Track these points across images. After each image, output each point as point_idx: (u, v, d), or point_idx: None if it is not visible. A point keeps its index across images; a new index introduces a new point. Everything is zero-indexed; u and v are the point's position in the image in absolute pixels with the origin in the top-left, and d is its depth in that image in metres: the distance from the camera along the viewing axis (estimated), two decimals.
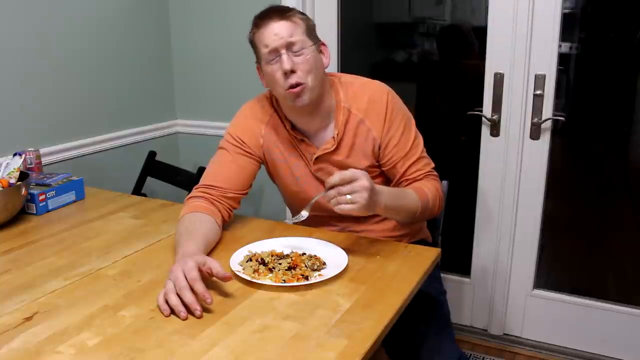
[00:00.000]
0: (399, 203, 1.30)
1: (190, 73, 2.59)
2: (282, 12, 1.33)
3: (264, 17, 1.33)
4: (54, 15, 2.04)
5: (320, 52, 1.39)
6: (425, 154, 1.47)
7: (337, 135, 1.41)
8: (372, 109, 1.41)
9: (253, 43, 1.38)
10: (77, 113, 2.18)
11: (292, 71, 1.30)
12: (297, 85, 1.31)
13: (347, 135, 1.42)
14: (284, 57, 1.30)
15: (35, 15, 1.97)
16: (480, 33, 2.03)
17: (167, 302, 1.02)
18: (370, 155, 1.44)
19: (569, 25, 1.93)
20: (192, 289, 1.02)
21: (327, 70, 1.43)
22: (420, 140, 1.47)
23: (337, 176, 1.15)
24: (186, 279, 1.03)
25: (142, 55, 2.45)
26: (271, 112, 1.48)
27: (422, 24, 2.29)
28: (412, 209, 1.34)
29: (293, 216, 1.63)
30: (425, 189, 1.38)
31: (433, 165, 1.48)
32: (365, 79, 1.48)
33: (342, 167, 1.40)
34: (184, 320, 1.00)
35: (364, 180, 1.15)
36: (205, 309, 1.03)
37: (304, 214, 1.26)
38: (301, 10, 1.43)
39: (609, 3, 1.99)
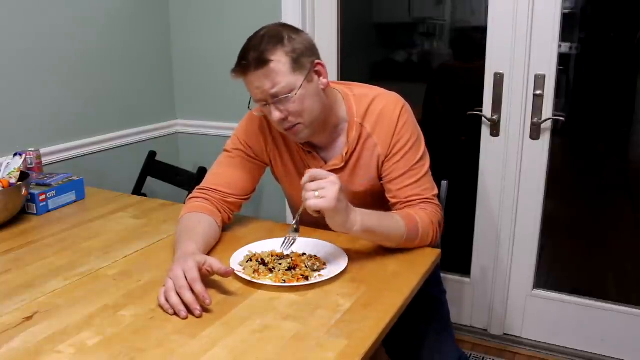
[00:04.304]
0: (380, 224, 1.19)
1: (190, 73, 2.60)
2: (259, 60, 1.20)
3: (243, 65, 1.23)
4: (54, 15, 2.04)
5: (316, 73, 1.27)
6: (428, 179, 1.36)
7: (347, 153, 1.36)
8: (381, 123, 1.34)
9: None
10: (77, 113, 2.18)
11: (284, 119, 1.25)
12: (292, 126, 1.27)
13: (356, 151, 1.37)
14: (272, 108, 1.24)
15: (35, 16, 1.97)
16: (480, 33, 2.03)
17: (167, 301, 1.03)
18: (374, 171, 1.38)
19: (569, 25, 1.93)
20: (191, 289, 1.02)
21: (339, 80, 1.39)
22: (426, 162, 1.37)
23: (306, 176, 1.10)
24: (186, 278, 1.03)
25: (142, 55, 2.45)
26: None
27: (422, 24, 2.29)
28: (395, 235, 1.23)
29: (294, 218, 1.61)
30: (416, 217, 1.26)
31: (436, 192, 1.37)
32: (380, 90, 1.40)
33: (344, 188, 1.37)
34: (184, 319, 1.00)
35: (332, 177, 1.09)
36: (205, 309, 1.03)
37: (294, 235, 1.22)
38: (291, 26, 1.29)
39: (609, 3, 1.99)
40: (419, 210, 1.30)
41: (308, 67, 1.25)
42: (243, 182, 1.41)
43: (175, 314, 1.01)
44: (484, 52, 2.02)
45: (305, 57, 1.24)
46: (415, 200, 1.32)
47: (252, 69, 1.21)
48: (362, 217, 1.15)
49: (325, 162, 1.40)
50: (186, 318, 1.00)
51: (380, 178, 1.38)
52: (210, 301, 1.03)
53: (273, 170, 1.50)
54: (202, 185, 1.41)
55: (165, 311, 1.02)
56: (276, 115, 1.23)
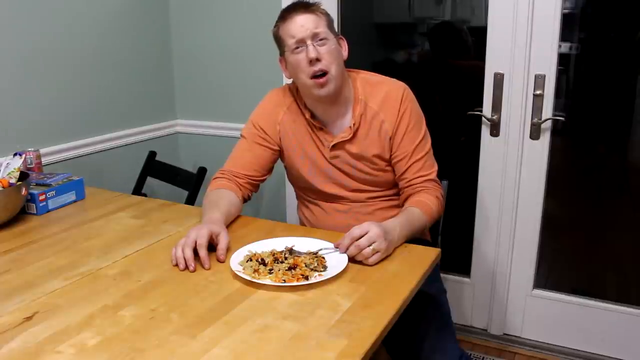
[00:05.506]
0: (412, 228, 1.37)
1: (190, 73, 2.60)
2: (307, 6, 1.43)
3: (290, 10, 1.43)
4: (54, 15, 2.04)
5: (339, 44, 1.48)
6: (430, 156, 1.53)
7: (354, 125, 1.49)
8: (387, 102, 1.49)
9: (278, 36, 1.47)
10: (77, 113, 2.18)
11: (318, 59, 1.39)
12: (321, 74, 1.40)
13: (363, 127, 1.50)
14: (310, 47, 1.39)
15: (35, 16, 1.97)
16: (480, 33, 2.03)
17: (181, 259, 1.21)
18: (382, 146, 1.50)
19: (569, 25, 1.93)
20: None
21: (345, 67, 1.51)
22: (427, 141, 1.53)
23: (347, 238, 1.22)
24: (195, 242, 1.21)
25: (142, 55, 2.45)
26: (291, 100, 1.57)
27: (422, 24, 2.29)
28: (422, 227, 1.43)
29: (297, 196, 1.72)
30: (428, 203, 1.45)
31: (436, 168, 1.54)
32: (384, 76, 1.56)
33: (356, 156, 1.51)
34: (190, 269, 1.19)
35: (374, 229, 1.21)
36: (206, 309, 1.03)
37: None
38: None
39: (609, 3, 1.99)
40: (425, 193, 1.48)
41: (336, 34, 1.47)
42: (255, 165, 1.56)
43: (182, 266, 1.21)
44: (480, 50, 2.02)
45: (333, 27, 1.47)
46: (421, 180, 1.50)
47: (302, 10, 1.42)
48: (401, 231, 1.31)
49: (334, 136, 1.52)
50: (193, 270, 1.19)
51: (389, 153, 1.51)
52: (209, 266, 1.20)
53: (282, 153, 1.60)
54: (222, 168, 1.58)
55: (177, 264, 1.21)
56: (314, 52, 1.39)
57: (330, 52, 1.41)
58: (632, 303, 2.05)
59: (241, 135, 1.60)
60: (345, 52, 1.49)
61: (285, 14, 1.44)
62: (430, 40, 2.28)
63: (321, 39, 1.40)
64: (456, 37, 2.20)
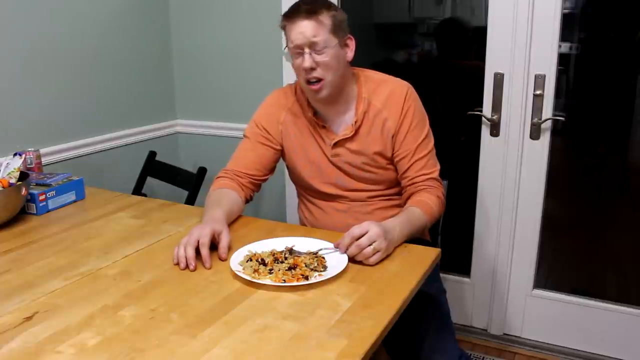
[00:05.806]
0: (412, 228, 1.37)
1: (190, 73, 2.60)
2: (310, 11, 1.39)
3: (292, 13, 1.41)
4: (54, 15, 2.04)
5: (346, 45, 1.46)
6: (432, 155, 1.54)
7: (356, 123, 1.50)
8: (391, 100, 1.50)
9: (284, 31, 1.46)
10: (77, 113, 2.18)
11: (312, 68, 1.40)
12: (316, 80, 1.42)
13: (365, 124, 1.51)
14: (306, 55, 1.39)
15: (35, 15, 1.97)
16: (480, 33, 2.03)
17: (182, 257, 1.22)
18: (384, 143, 1.51)
19: (569, 25, 1.93)
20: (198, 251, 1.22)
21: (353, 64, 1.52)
22: (430, 140, 1.54)
23: (347, 238, 1.22)
24: (198, 240, 1.22)
25: (142, 55, 2.45)
26: (293, 100, 1.58)
27: (422, 24, 2.29)
28: (422, 227, 1.44)
29: (298, 194, 1.72)
30: (429, 202, 1.45)
31: (439, 167, 1.54)
32: (388, 75, 1.57)
33: (356, 152, 1.52)
34: (183, 268, 1.20)
35: (374, 228, 1.21)
36: (206, 309, 1.03)
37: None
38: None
39: (609, 3, 1.99)
40: (427, 193, 1.48)
41: (342, 36, 1.44)
42: (258, 164, 1.57)
43: (183, 265, 1.21)
44: (484, 51, 2.02)
45: (342, 28, 1.44)
46: (423, 178, 1.50)
47: (303, 16, 1.38)
48: (401, 230, 1.31)
49: (336, 134, 1.53)
50: (193, 269, 1.19)
51: (391, 151, 1.52)
52: (211, 266, 1.20)
53: (284, 152, 1.61)
54: (225, 167, 1.58)
55: (178, 264, 1.22)
56: (308, 62, 1.39)
57: (327, 62, 1.40)
58: (632, 303, 2.05)
59: (244, 135, 1.61)
60: (351, 53, 1.48)
61: (287, 17, 1.42)
62: (437, 37, 2.27)
63: (319, 48, 1.39)
64: (463, 34, 2.20)
